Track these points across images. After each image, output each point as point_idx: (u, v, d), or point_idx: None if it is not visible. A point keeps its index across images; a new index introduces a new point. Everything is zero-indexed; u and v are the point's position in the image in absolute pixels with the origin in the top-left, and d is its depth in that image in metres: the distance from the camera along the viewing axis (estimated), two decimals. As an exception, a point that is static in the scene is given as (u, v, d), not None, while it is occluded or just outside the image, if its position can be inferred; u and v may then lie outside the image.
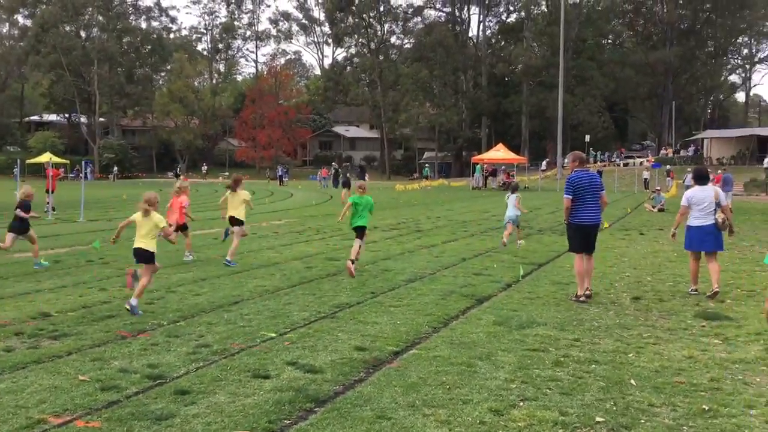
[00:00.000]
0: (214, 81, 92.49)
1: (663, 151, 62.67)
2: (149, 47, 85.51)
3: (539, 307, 8.32)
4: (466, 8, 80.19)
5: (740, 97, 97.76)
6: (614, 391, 5.26)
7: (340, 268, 11.16)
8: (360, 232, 11.09)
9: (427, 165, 68.86)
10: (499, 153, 47.86)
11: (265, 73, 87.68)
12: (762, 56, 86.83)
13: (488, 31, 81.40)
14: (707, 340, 6.80)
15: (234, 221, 12.06)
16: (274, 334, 6.88)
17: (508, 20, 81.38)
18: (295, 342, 6.60)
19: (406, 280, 10.07)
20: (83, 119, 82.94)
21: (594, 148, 67.02)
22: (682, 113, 77.92)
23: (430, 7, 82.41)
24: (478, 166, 49.37)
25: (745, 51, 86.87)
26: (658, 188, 28.58)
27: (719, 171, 35.16)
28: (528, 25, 72.83)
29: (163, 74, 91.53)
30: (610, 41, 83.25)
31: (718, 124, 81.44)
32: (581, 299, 8.68)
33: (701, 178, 9.52)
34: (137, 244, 8.29)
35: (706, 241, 9.27)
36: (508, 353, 6.28)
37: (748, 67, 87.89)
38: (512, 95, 74.18)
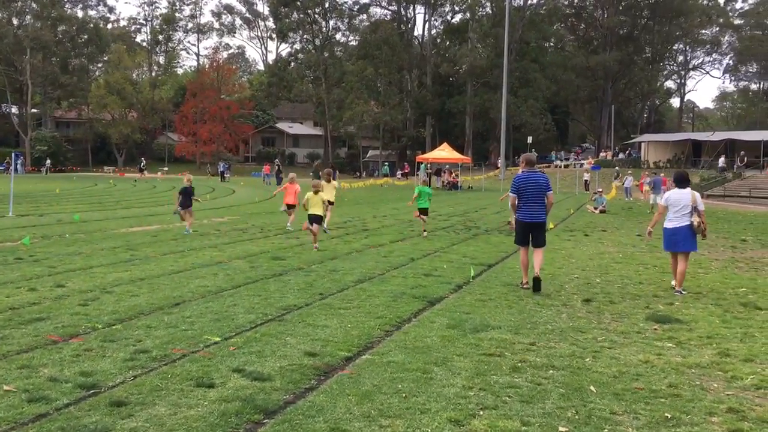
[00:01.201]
0: (153, 73, 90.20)
1: (602, 154, 64.05)
2: (85, 37, 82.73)
3: (492, 309, 8.17)
4: (411, 7, 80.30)
5: (675, 102, 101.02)
6: (575, 398, 5.10)
7: (286, 268, 10.80)
8: (425, 211, 16.53)
9: (386, 163, 68.03)
10: (444, 153, 48.04)
11: (207, 66, 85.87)
12: (696, 63, 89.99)
13: (433, 31, 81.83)
14: (661, 344, 6.75)
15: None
16: (218, 339, 6.50)
17: (453, 21, 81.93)
18: (241, 347, 6.25)
19: (355, 281, 9.79)
20: (14, 110, 79.64)
21: (536, 149, 68.15)
22: (620, 117, 80.00)
23: (376, 5, 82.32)
24: (423, 165, 49.46)
25: (681, 58, 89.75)
26: (600, 190, 29.05)
27: (654, 173, 36.16)
28: (473, 26, 73.37)
29: (99, 65, 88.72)
30: (552, 44, 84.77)
31: (654, 128, 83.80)
32: (525, 286, 9.48)
33: (681, 181, 9.78)
34: (312, 211, 13.29)
35: (678, 242, 9.60)
36: (463, 358, 6.08)
37: (683, 73, 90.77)
38: (456, 95, 74.66)
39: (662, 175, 31.57)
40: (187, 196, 16.22)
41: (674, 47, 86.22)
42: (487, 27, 71.38)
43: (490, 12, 74.47)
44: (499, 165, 58.03)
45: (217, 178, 58.57)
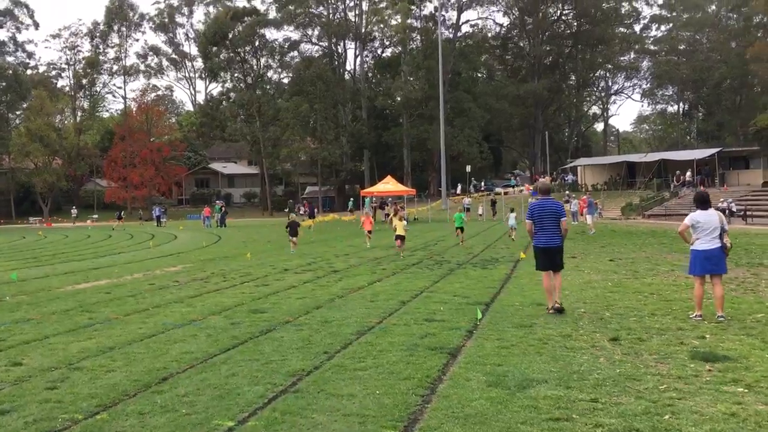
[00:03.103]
0: (77, 119, 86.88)
1: (542, 179, 64.81)
2: (4, 84, 79.27)
3: (522, 358, 7.32)
4: (342, 43, 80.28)
5: (599, 126, 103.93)
6: (690, 472, 4.29)
7: (272, 323, 9.69)
8: (460, 230, 23.61)
9: (351, 199, 65.30)
10: (389, 185, 47.58)
11: (135, 109, 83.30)
12: (617, 88, 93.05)
13: (365, 65, 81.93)
14: (731, 390, 6.03)
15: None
16: (231, 424, 5.41)
17: (384, 55, 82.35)
18: (264, 433, 5.19)
19: (356, 334, 8.79)
20: (-71, 162, 75.27)
21: (475, 177, 68.61)
22: (552, 143, 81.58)
23: (307, 41, 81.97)
24: (367, 199, 48.76)
25: (603, 83, 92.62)
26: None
27: (583, 196, 36.63)
28: (405, 59, 73.78)
29: (19, 113, 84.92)
30: (482, 75, 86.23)
31: (582, 152, 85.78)
32: (550, 311, 9.81)
33: (704, 202, 9.36)
34: (398, 233, 19.78)
35: (714, 264, 9.16)
36: (530, 427, 5.19)
37: (605, 98, 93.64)
38: (393, 127, 74.70)
39: (589, 197, 32.23)
40: (293, 227, 22.94)
41: (597, 74, 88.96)
42: (419, 59, 71.86)
43: (420, 45, 75.16)
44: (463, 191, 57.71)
45: (150, 224, 56.29)
